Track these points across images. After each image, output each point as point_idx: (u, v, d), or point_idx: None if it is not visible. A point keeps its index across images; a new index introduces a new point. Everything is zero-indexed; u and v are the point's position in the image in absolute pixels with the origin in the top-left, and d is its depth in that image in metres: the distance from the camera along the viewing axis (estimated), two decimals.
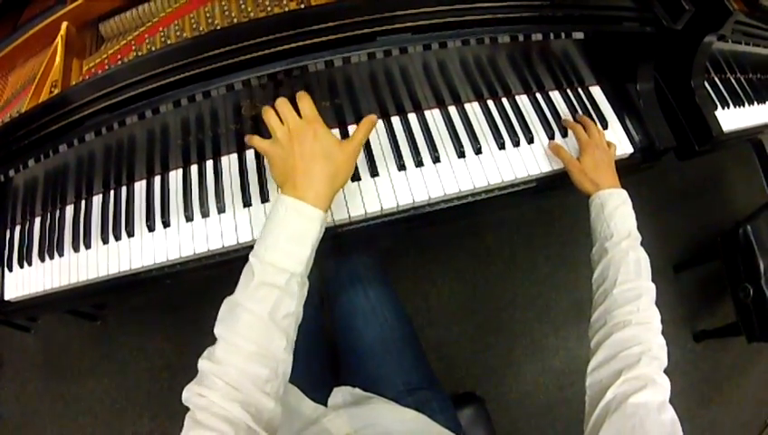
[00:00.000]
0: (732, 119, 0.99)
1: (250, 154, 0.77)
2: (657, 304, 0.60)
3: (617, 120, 0.85)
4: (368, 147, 0.76)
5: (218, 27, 0.72)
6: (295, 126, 0.57)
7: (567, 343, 1.48)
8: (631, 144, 0.83)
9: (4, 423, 1.41)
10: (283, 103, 0.59)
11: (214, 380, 0.43)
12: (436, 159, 0.75)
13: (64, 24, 0.79)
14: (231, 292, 0.51)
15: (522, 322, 1.49)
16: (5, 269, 0.81)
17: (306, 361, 0.77)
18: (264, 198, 0.73)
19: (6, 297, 0.80)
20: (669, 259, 1.62)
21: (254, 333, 0.46)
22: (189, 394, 0.43)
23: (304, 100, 0.59)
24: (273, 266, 0.49)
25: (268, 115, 0.58)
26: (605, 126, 0.83)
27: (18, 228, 0.83)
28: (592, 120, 0.82)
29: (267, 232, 0.52)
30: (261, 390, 0.45)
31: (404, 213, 0.75)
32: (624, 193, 0.70)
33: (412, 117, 0.79)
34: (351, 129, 0.78)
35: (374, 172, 0.74)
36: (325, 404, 0.71)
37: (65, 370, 1.45)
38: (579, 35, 0.73)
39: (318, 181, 0.54)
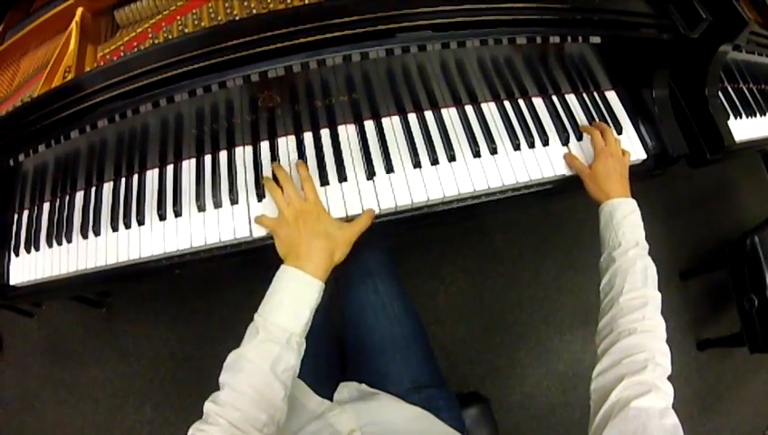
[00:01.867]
0: (744, 129, 0.99)
1: (264, 146, 0.76)
2: (663, 310, 0.60)
3: (631, 126, 0.85)
4: (383, 143, 0.76)
5: (237, 18, 0.72)
6: (301, 207, 0.64)
7: (571, 347, 1.48)
8: (645, 150, 0.83)
9: (4, 408, 1.41)
10: (288, 183, 0.66)
11: (217, 418, 0.48)
12: (451, 158, 0.75)
13: (79, 10, 0.78)
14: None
15: (527, 324, 1.49)
16: (12, 254, 0.81)
17: (313, 355, 0.76)
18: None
19: (12, 282, 0.80)
20: (676, 266, 1.62)
21: (256, 382, 0.52)
22: (193, 431, 0.48)
23: (308, 184, 0.67)
24: (275, 326, 0.55)
25: (275, 194, 0.66)
26: (619, 131, 0.83)
27: (26, 213, 0.83)
28: (607, 124, 0.82)
29: (271, 295, 0.58)
30: (259, 431, 0.50)
31: (417, 210, 0.74)
32: (633, 202, 0.71)
33: (429, 115, 0.79)
34: (368, 124, 0.78)
35: (389, 169, 0.74)
36: (331, 399, 0.71)
37: (68, 356, 1.45)
38: (596, 40, 0.74)
39: (318, 255, 0.61)
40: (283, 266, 0.60)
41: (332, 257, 0.63)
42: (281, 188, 0.67)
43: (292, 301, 0.57)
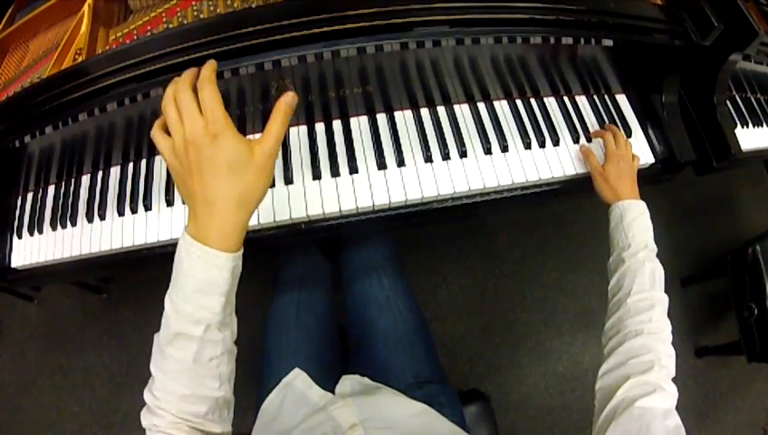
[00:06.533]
0: (750, 138, 0.99)
1: None
2: None
3: (640, 130, 0.85)
4: (395, 136, 0.76)
5: (253, 5, 0.72)
6: (191, 130, 0.42)
7: (571, 349, 1.48)
8: (653, 155, 0.83)
9: (0, 391, 1.40)
10: (182, 92, 0.43)
11: (159, 412, 0.44)
12: (463, 154, 0.75)
13: None
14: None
15: (528, 324, 1.50)
16: (15, 236, 0.80)
17: (316, 347, 0.77)
18: (289, 179, 0.73)
19: (13, 265, 0.79)
20: (677, 272, 1.62)
21: (184, 378, 0.45)
22: (146, 423, 0.45)
23: (205, 89, 0.43)
24: (186, 317, 0.44)
25: (168, 110, 0.44)
26: (629, 134, 0.83)
27: (31, 196, 0.83)
28: (617, 127, 0.82)
29: (175, 275, 0.45)
30: (204, 419, 0.46)
31: (425, 205, 0.74)
32: (643, 205, 0.71)
33: (441, 110, 0.79)
34: (380, 117, 0.77)
35: (401, 162, 0.74)
36: (333, 391, 0.71)
37: (66, 341, 1.44)
38: (609, 43, 0.74)
39: (222, 212, 0.43)
40: (182, 234, 0.45)
41: (246, 206, 0.45)
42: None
43: (197, 288, 0.44)
